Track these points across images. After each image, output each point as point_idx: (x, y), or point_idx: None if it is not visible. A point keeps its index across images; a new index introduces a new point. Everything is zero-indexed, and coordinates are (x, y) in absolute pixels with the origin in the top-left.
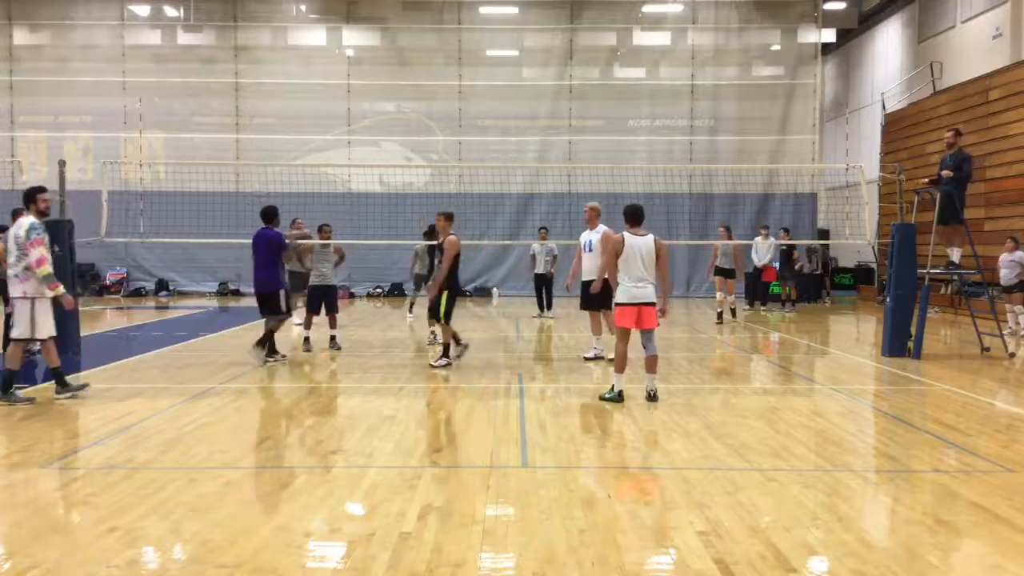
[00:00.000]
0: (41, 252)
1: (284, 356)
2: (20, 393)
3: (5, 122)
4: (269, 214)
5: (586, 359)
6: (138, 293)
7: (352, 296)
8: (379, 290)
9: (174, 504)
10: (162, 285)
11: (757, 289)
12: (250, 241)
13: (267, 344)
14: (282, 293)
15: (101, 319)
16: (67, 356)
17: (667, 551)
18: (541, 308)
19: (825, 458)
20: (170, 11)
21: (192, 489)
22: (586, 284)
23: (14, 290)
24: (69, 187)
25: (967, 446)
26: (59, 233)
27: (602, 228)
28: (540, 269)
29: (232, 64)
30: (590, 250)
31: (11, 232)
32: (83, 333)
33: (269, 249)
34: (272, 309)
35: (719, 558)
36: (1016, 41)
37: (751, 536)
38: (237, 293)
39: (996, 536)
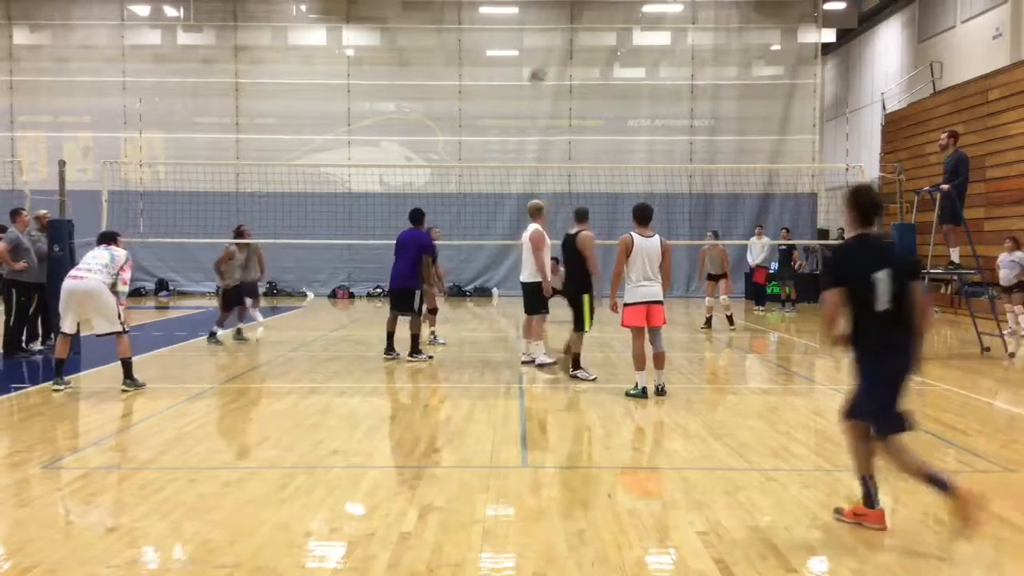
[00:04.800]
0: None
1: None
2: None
3: (5, 122)
4: (416, 216)
5: (542, 365)
6: (138, 293)
7: (352, 296)
8: (379, 290)
9: (174, 504)
10: (162, 285)
11: (752, 290)
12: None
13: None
14: (417, 293)
15: None
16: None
17: (667, 551)
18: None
19: (825, 458)
20: (170, 11)
21: (192, 489)
22: (538, 285)
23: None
24: (69, 187)
25: (967, 446)
26: (59, 233)
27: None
28: None
29: (232, 64)
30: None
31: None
32: (83, 333)
33: (417, 249)
34: (407, 306)
35: (719, 558)
36: (1016, 41)
37: (751, 536)
38: None
39: (996, 536)
